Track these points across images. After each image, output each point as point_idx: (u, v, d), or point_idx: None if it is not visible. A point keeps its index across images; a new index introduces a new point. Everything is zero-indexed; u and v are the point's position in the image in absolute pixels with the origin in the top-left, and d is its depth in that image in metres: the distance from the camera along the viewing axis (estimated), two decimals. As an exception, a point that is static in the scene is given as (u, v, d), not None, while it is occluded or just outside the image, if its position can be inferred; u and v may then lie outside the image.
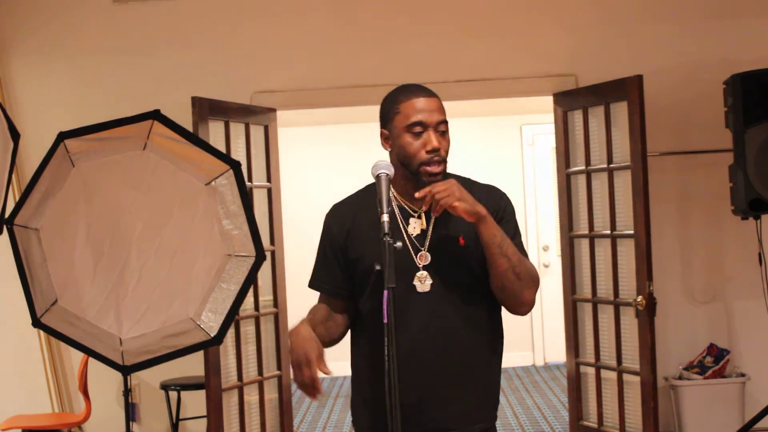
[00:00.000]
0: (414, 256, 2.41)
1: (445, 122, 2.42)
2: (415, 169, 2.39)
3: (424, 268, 2.40)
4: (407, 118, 2.40)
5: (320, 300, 2.57)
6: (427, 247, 2.41)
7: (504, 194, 2.53)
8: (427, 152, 2.38)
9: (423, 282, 2.39)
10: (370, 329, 2.44)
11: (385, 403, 2.14)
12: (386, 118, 2.47)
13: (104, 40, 5.53)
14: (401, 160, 2.42)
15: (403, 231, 2.42)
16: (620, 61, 5.27)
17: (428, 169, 2.38)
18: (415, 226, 2.43)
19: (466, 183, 2.48)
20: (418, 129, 2.39)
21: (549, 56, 5.44)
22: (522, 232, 2.53)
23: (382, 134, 2.49)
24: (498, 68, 5.46)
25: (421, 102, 2.40)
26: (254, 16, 5.51)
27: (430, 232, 2.43)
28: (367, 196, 2.49)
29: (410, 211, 2.45)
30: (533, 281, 2.42)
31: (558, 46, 5.45)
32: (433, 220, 2.43)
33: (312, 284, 2.57)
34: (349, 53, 5.47)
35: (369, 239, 2.41)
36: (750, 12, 5.44)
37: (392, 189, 2.45)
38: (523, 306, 2.44)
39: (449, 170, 2.47)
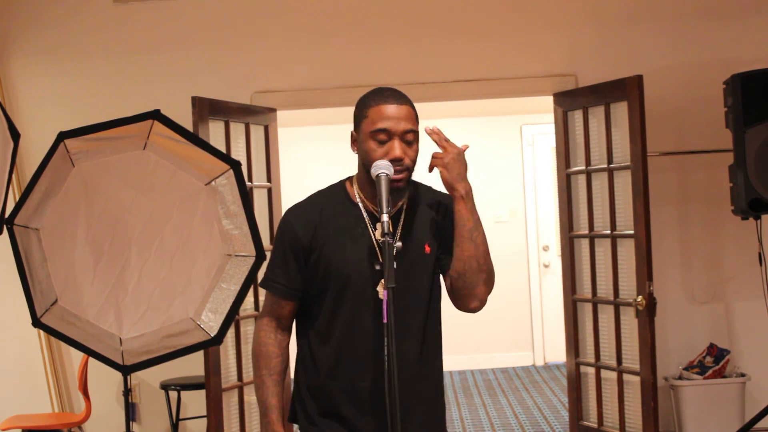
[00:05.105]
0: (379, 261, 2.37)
1: (413, 132, 2.38)
2: (374, 175, 2.34)
3: None
4: (373, 124, 2.36)
5: (265, 305, 2.51)
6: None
7: None
8: (390, 161, 2.33)
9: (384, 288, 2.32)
10: (340, 325, 2.41)
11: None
12: (356, 121, 2.44)
13: (104, 40, 5.53)
14: (364, 164, 2.39)
15: (372, 235, 2.40)
16: (620, 61, 5.27)
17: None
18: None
19: (429, 192, 2.51)
20: (382, 137, 2.35)
21: (549, 56, 5.44)
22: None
23: (351, 136, 2.46)
24: (498, 68, 5.45)
25: (389, 109, 2.36)
26: (254, 16, 5.51)
27: (396, 237, 2.39)
28: (330, 197, 2.48)
29: (377, 215, 2.38)
30: (490, 279, 2.42)
31: (558, 46, 5.45)
32: (400, 226, 2.42)
33: (265, 284, 2.50)
34: (349, 53, 5.47)
35: (338, 240, 2.40)
36: (750, 12, 5.44)
37: (359, 192, 2.45)
38: (474, 300, 2.42)
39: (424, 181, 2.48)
